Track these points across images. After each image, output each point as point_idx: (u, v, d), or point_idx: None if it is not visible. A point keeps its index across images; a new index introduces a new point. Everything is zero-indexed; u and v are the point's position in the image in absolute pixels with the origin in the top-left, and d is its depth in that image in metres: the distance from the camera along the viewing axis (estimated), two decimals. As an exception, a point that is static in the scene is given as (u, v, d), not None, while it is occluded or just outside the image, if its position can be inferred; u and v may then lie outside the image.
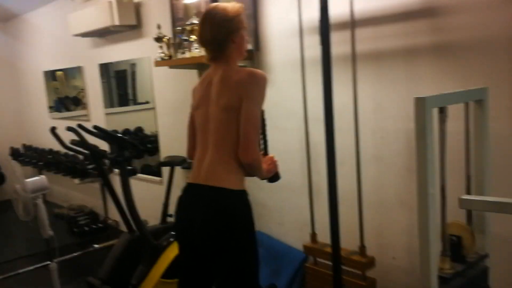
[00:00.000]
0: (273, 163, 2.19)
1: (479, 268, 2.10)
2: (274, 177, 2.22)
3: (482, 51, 2.19)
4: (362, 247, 2.62)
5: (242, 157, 1.93)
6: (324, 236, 2.79)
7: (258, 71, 1.98)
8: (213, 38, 1.98)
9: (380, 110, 2.62)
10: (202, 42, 2.05)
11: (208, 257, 2.01)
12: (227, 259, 1.97)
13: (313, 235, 2.91)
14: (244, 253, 1.99)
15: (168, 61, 3.51)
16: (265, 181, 2.20)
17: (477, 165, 2.11)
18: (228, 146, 1.96)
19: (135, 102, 4.80)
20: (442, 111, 1.90)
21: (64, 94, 5.92)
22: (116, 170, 4.13)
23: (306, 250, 2.92)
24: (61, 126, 3.19)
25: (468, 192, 2.11)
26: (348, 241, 2.75)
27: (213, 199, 1.96)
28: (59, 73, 5.87)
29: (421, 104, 1.78)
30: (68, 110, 5.90)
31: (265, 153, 2.29)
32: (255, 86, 1.94)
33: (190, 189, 2.06)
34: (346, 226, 2.77)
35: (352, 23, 2.49)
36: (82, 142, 3.07)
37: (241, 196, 1.99)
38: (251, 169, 1.99)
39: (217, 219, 1.95)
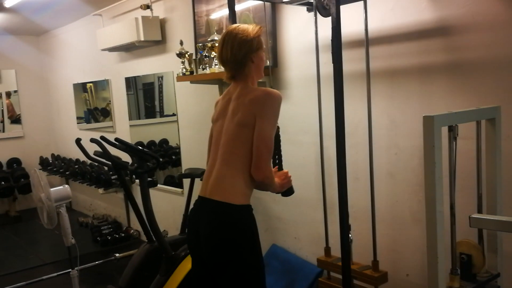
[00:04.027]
0: (287, 178, 2.23)
1: (490, 287, 2.09)
2: (287, 191, 2.27)
3: (495, 70, 2.20)
4: (375, 262, 2.62)
5: (254, 175, 1.98)
6: (339, 250, 2.80)
7: (273, 90, 2.04)
8: (233, 58, 2.04)
9: (394, 127, 2.65)
10: (222, 61, 2.10)
11: (214, 270, 2.04)
12: (231, 274, 2.00)
13: (327, 250, 2.93)
14: (248, 268, 2.01)
15: (189, 76, 3.61)
16: (279, 194, 2.24)
17: (489, 184, 2.11)
18: (236, 161, 2.00)
19: (162, 114, 4.92)
20: (452, 129, 1.92)
21: (94, 105, 6.10)
22: (137, 181, 4.25)
23: (320, 263, 2.94)
24: (87, 137, 3.30)
25: (480, 211, 2.11)
26: (362, 257, 2.76)
27: (216, 213, 2.00)
28: (89, 84, 6.06)
29: (429, 122, 1.81)
30: (97, 121, 6.07)
31: (280, 168, 2.33)
32: (270, 105, 1.99)
33: (198, 202, 2.12)
34: (360, 241, 2.80)
35: (367, 41, 2.52)
36: (105, 153, 3.17)
37: (244, 211, 2.01)
38: (263, 187, 2.05)
39: (220, 233, 1.99)
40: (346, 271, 2.31)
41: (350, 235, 2.50)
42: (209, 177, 2.08)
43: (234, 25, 2.11)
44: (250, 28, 2.06)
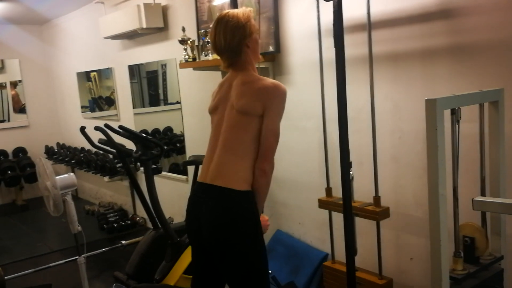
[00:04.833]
0: (265, 224, 2.17)
1: (494, 269, 2.10)
2: None
3: (499, 52, 2.18)
4: (377, 197, 2.61)
5: (260, 163, 1.99)
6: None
7: (281, 84, 2.04)
8: (228, 47, 2.03)
9: (397, 111, 2.64)
10: (217, 50, 2.10)
11: (216, 256, 2.05)
12: (233, 259, 2.01)
13: (328, 190, 2.92)
14: (250, 253, 2.02)
15: (192, 63, 3.60)
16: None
17: (492, 167, 2.11)
18: (238, 148, 2.01)
19: (166, 102, 4.92)
20: (454, 112, 1.91)
21: (98, 94, 6.12)
22: (142, 169, 4.28)
23: (321, 204, 2.91)
24: (92, 125, 3.32)
25: (483, 193, 2.11)
26: (366, 241, 2.77)
27: (219, 198, 2.01)
28: (93, 73, 6.07)
29: (431, 105, 1.80)
30: (101, 109, 6.09)
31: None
32: (279, 98, 2.01)
33: (198, 188, 2.12)
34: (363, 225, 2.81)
35: (369, 25, 2.51)
36: (109, 141, 3.19)
37: (246, 197, 2.02)
38: (263, 177, 2.02)
39: (223, 219, 1.99)
40: (348, 205, 2.29)
41: (351, 172, 2.47)
42: (209, 163, 2.08)
43: (224, 12, 2.09)
44: (240, 13, 2.04)
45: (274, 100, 1.99)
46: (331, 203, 2.85)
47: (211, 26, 3.43)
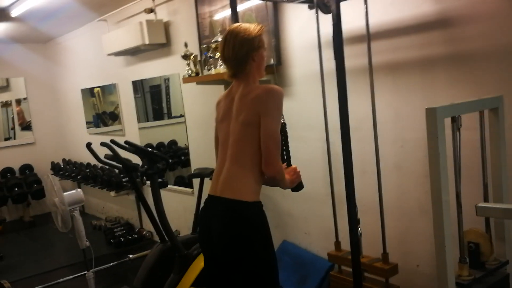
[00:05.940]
0: (296, 174, 2.28)
1: (499, 274, 2.11)
2: (297, 187, 2.31)
3: (498, 59, 2.22)
4: (385, 254, 2.65)
5: (265, 171, 2.02)
6: (349, 244, 2.84)
7: (274, 86, 2.07)
8: (234, 56, 2.08)
9: (399, 119, 2.67)
10: (224, 59, 2.15)
11: (227, 267, 2.08)
12: (244, 270, 2.04)
13: (337, 244, 2.96)
14: (261, 264, 2.05)
15: (195, 78, 3.65)
16: (289, 190, 2.28)
17: (494, 173, 2.13)
18: (245, 160, 2.05)
19: (170, 116, 4.97)
20: (455, 120, 1.94)
21: (102, 109, 6.17)
22: (148, 183, 4.32)
23: (330, 258, 2.98)
24: (97, 141, 3.36)
25: (486, 199, 2.13)
26: (372, 249, 2.79)
27: (229, 210, 2.05)
28: (96, 89, 6.13)
29: (432, 114, 1.83)
30: (105, 125, 6.13)
31: (288, 164, 2.37)
32: (272, 102, 2.03)
33: (209, 201, 2.17)
34: (369, 234, 2.82)
35: (368, 36, 2.55)
36: (115, 156, 3.23)
37: (256, 208, 2.06)
38: (274, 182, 2.10)
39: (232, 231, 2.03)
40: (356, 265, 2.35)
41: (359, 229, 2.53)
42: (219, 176, 2.13)
43: (236, 24, 2.15)
44: (251, 27, 2.10)
45: (267, 105, 2.02)
46: (340, 258, 2.92)
47: (213, 40, 3.52)
